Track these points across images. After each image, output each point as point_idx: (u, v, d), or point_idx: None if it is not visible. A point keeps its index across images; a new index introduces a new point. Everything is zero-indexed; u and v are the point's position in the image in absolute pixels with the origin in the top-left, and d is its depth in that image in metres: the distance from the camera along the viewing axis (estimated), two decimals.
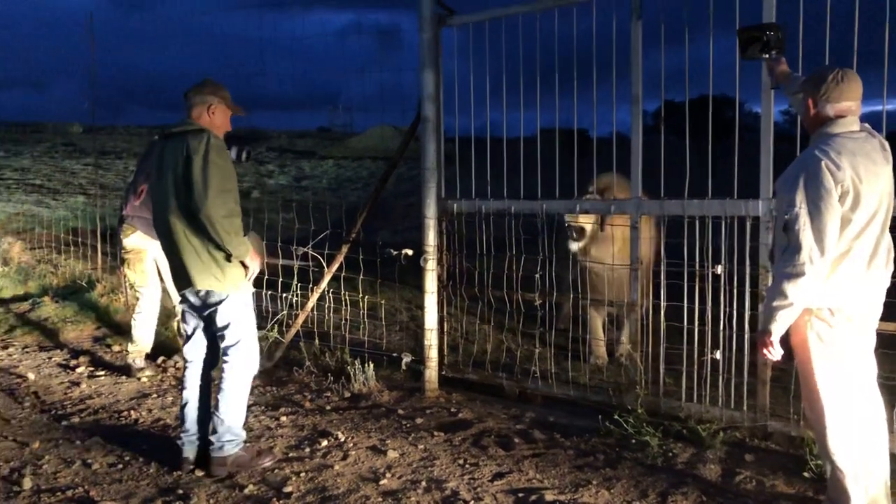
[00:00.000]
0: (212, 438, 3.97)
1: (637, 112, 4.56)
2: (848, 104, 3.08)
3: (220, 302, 3.96)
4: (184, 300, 4.11)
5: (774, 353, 3.15)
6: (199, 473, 3.97)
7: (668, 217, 4.54)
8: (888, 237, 3.14)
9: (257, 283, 4.18)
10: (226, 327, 3.99)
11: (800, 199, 2.99)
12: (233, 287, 3.95)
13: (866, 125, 3.19)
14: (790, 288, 3.01)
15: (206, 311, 4.01)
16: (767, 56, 3.77)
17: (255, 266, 4.01)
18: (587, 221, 5.46)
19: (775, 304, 3.07)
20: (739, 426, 4.31)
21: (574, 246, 5.53)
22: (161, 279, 6.13)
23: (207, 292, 3.95)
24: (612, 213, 4.88)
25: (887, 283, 3.19)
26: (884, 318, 3.35)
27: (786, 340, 3.21)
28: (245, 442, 4.11)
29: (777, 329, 3.10)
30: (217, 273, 3.91)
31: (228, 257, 3.89)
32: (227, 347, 4.00)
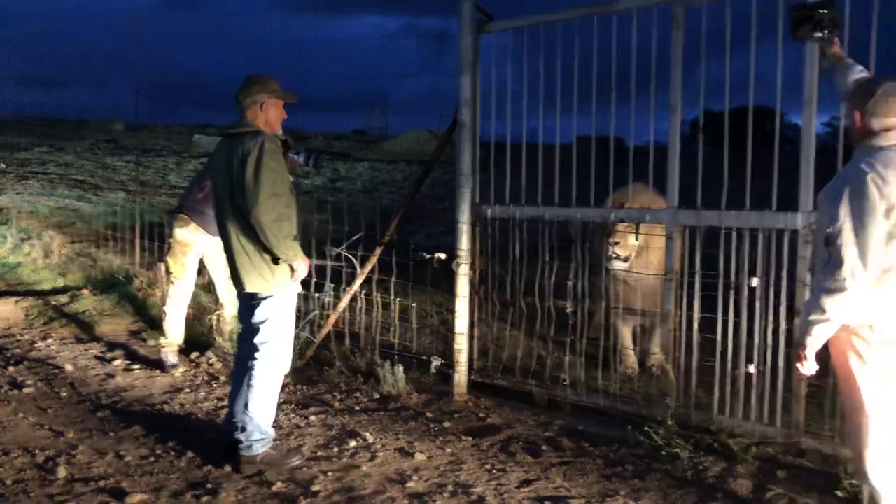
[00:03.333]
0: (241, 437, 4.01)
1: (675, 121, 4.53)
2: (895, 119, 3.02)
3: (264, 299, 4.04)
4: (240, 296, 4.24)
5: (809, 367, 3.10)
6: (228, 469, 4.02)
7: (704, 228, 4.49)
8: None
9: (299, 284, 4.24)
10: (262, 323, 4.05)
11: (843, 213, 2.93)
12: (279, 287, 4.03)
13: None
14: (829, 303, 2.96)
15: (252, 307, 4.09)
16: (820, 35, 3.67)
17: (302, 269, 4.08)
18: (631, 241, 5.36)
19: (812, 318, 3.02)
20: (772, 442, 4.24)
21: (621, 266, 5.43)
22: (204, 275, 6.23)
23: (253, 293, 4.05)
24: (647, 221, 4.86)
25: None
26: None
27: (821, 356, 3.16)
28: (274, 440, 4.15)
29: (812, 344, 3.05)
30: (266, 274, 3.99)
31: (276, 260, 3.96)
32: (260, 344, 4.05)
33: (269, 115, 4.10)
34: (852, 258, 2.91)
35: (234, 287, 6.01)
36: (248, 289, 4.04)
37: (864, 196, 2.90)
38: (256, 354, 4.05)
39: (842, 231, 2.93)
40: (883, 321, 3.04)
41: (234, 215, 3.98)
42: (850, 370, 3.14)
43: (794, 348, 3.16)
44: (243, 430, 4.01)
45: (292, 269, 4.05)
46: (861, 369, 3.11)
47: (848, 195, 2.94)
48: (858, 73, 3.46)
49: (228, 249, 4.08)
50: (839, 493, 3.69)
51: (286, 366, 4.18)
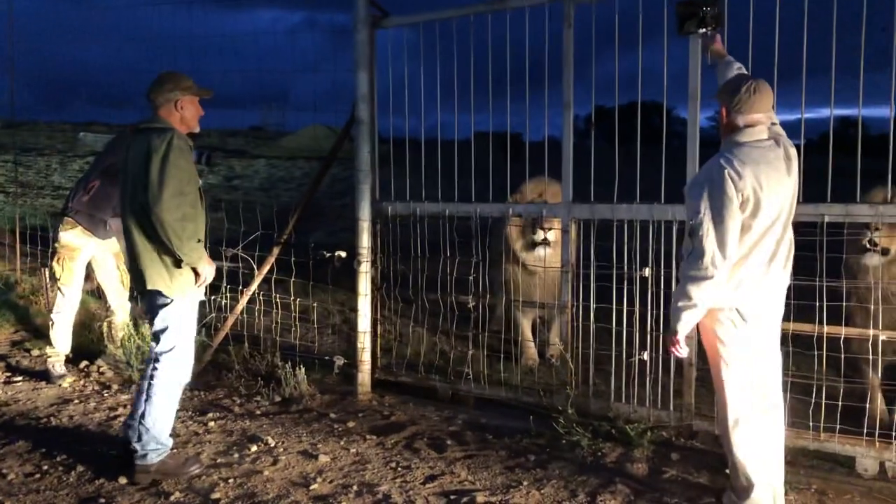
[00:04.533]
0: (136, 446, 3.86)
1: (568, 118, 4.63)
2: (757, 115, 3.22)
3: (163, 305, 3.89)
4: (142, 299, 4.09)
5: (681, 350, 3.31)
6: (123, 481, 3.85)
7: (598, 221, 4.61)
8: (788, 240, 3.31)
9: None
10: (162, 331, 3.92)
11: (704, 206, 3.13)
12: (179, 292, 3.89)
13: (777, 130, 3.32)
14: (694, 290, 3.16)
15: (152, 311, 3.95)
16: (704, 31, 3.84)
17: (207, 273, 3.95)
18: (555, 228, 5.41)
19: (680, 304, 3.21)
20: (666, 426, 4.41)
21: (547, 252, 5.44)
22: (92, 280, 5.95)
23: (154, 293, 3.90)
24: (544, 216, 4.96)
25: (787, 283, 3.37)
26: (787, 318, 3.53)
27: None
28: (172, 449, 4.01)
29: (682, 329, 3.25)
30: (166, 276, 3.85)
31: (178, 262, 3.82)
32: (160, 353, 3.92)
33: (185, 112, 3.98)
34: (712, 248, 3.12)
35: (126, 292, 5.80)
36: (150, 286, 3.88)
37: (722, 191, 3.10)
38: (156, 364, 3.91)
39: (703, 223, 3.13)
40: (742, 304, 3.26)
41: (137, 214, 3.83)
42: (716, 352, 3.35)
43: (667, 334, 3.34)
44: (139, 439, 3.87)
45: (196, 274, 3.93)
46: (724, 350, 3.32)
47: (708, 190, 3.14)
48: (736, 70, 3.64)
49: (131, 249, 3.92)
50: (728, 471, 3.87)
51: (186, 375, 4.06)
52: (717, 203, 3.10)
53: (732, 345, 3.30)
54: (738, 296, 3.24)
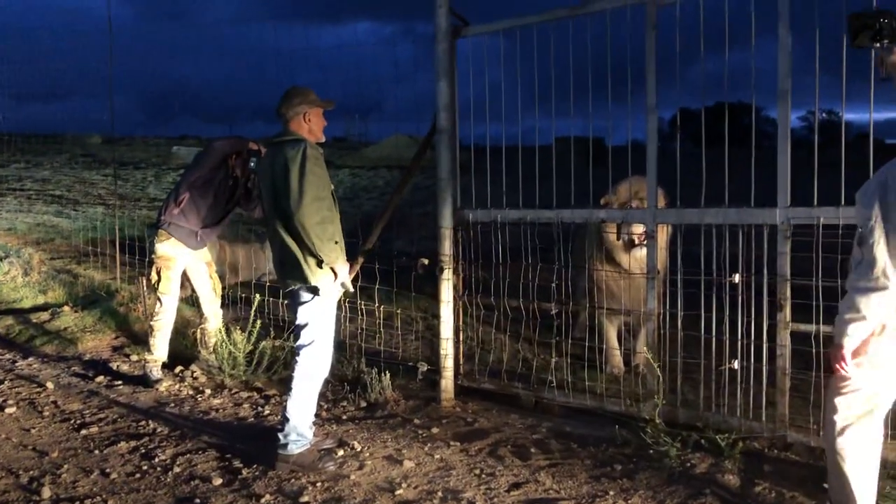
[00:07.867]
0: (280, 435, 4.15)
1: (652, 121, 4.55)
2: None
3: (305, 302, 4.16)
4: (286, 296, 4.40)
5: (847, 368, 3.04)
6: (217, 482, 3.98)
7: (685, 226, 4.51)
8: None
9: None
10: (303, 327, 4.19)
11: (875, 213, 2.90)
12: (320, 290, 4.14)
13: None
14: (863, 302, 2.93)
15: (294, 308, 4.23)
16: (879, 45, 3.67)
17: (342, 272, 4.19)
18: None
19: (847, 316, 2.98)
20: (758, 436, 4.27)
21: (641, 253, 5.14)
22: (186, 288, 6.19)
23: (297, 291, 4.17)
24: (628, 221, 4.88)
25: None
26: None
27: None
28: (311, 444, 4.22)
29: (849, 343, 3.01)
30: (309, 276, 4.10)
31: (320, 263, 4.08)
32: (301, 347, 4.19)
33: (313, 125, 4.29)
34: (884, 257, 2.88)
35: (218, 299, 6.01)
36: (294, 285, 4.16)
37: (894, 195, 2.86)
38: (297, 358, 4.20)
39: (873, 230, 2.89)
40: None
41: (282, 219, 4.11)
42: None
43: (832, 349, 3.10)
44: (282, 429, 4.16)
45: (335, 273, 4.15)
46: (866, 361, 3.07)
47: (879, 195, 2.90)
48: None
49: (275, 248, 4.24)
50: (825, 485, 3.71)
51: (326, 369, 4.30)
52: (890, 208, 2.86)
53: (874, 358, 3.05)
54: None
